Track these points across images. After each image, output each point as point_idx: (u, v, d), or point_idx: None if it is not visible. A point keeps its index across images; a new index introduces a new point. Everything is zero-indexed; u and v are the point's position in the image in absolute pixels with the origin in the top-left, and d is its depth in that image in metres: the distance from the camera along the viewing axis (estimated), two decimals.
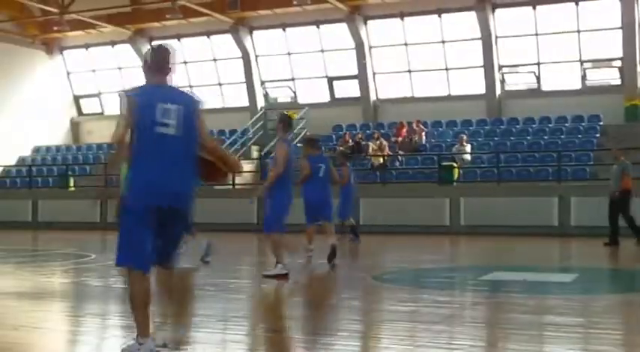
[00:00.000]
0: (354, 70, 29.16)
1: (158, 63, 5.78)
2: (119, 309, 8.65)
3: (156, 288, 5.96)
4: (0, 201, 27.21)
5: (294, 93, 30.72)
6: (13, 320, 7.04)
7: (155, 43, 6.61)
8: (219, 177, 6.18)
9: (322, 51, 29.81)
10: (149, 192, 5.49)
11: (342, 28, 28.72)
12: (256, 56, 30.67)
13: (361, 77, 28.96)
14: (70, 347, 6.70)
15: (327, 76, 29.94)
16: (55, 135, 33.76)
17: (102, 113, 34.29)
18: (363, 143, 25.90)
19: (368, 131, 27.20)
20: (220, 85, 31.84)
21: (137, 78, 32.68)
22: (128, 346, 5.65)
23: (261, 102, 30.76)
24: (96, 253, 15.13)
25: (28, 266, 13.52)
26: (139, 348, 5.49)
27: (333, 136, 27.82)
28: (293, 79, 30.62)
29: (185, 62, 31.79)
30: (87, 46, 33.58)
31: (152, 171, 5.50)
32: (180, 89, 5.88)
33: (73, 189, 28.08)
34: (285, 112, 13.51)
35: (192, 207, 5.86)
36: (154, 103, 5.56)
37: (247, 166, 27.22)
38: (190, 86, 31.98)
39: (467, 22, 27.41)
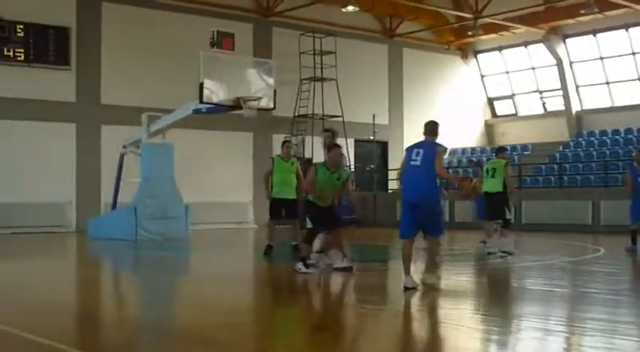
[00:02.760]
0: None
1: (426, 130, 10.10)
2: (536, 311, 8.51)
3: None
4: None
5: None
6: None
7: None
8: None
9: None
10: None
11: None
12: None
13: None
14: (485, 346, 6.72)
15: None
16: (470, 137, 34.55)
17: (515, 114, 34.38)
18: None
19: None
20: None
21: (551, 77, 32.32)
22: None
23: None
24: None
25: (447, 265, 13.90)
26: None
27: None
28: None
29: (601, 58, 30.58)
30: (500, 49, 33.88)
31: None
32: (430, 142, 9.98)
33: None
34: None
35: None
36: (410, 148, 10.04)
37: None
38: (607, 83, 30.75)
39: None
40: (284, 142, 15.50)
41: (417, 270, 10.46)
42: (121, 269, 14.83)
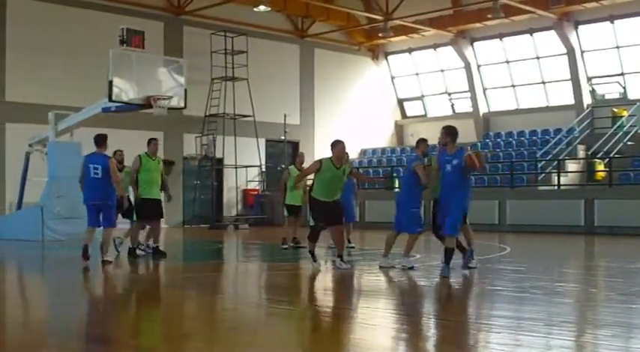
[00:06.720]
0: None
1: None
2: (445, 308, 8.66)
3: None
4: None
5: (624, 88, 29.06)
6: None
7: None
8: None
9: None
10: None
11: None
12: (582, 52, 29.43)
13: None
14: (395, 344, 6.81)
15: None
16: (381, 137, 34.95)
17: (425, 115, 34.92)
18: None
19: None
20: (544, 83, 30.99)
21: (459, 79, 32.93)
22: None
23: (587, 100, 29.49)
24: (419, 253, 15.31)
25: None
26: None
27: None
28: (622, 74, 28.98)
29: (507, 61, 31.37)
30: (410, 51, 34.38)
31: None
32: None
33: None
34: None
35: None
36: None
37: (573, 166, 26.23)
38: (513, 86, 31.55)
39: None
40: (150, 140, 14.51)
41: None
42: (26, 270, 14.46)
